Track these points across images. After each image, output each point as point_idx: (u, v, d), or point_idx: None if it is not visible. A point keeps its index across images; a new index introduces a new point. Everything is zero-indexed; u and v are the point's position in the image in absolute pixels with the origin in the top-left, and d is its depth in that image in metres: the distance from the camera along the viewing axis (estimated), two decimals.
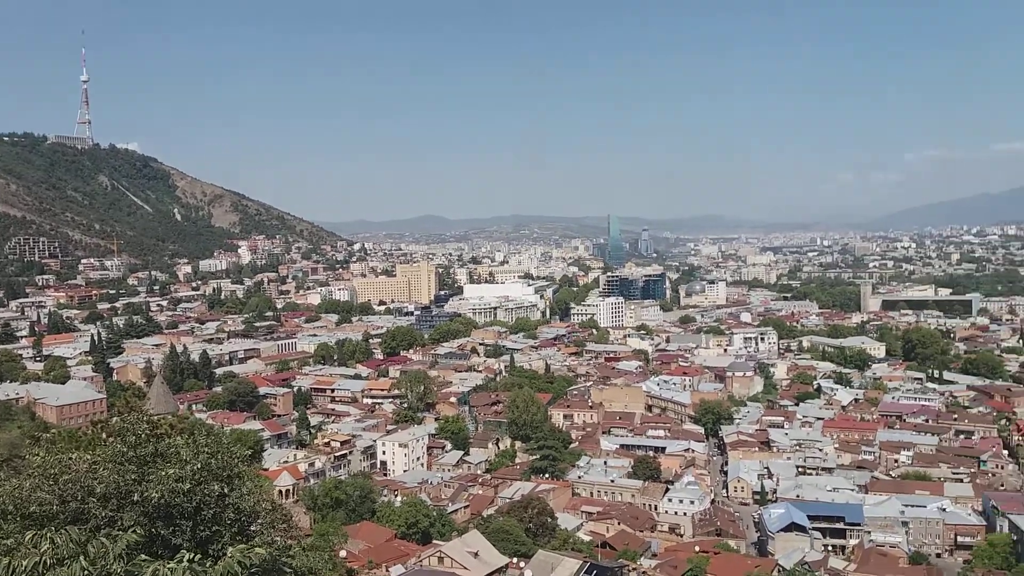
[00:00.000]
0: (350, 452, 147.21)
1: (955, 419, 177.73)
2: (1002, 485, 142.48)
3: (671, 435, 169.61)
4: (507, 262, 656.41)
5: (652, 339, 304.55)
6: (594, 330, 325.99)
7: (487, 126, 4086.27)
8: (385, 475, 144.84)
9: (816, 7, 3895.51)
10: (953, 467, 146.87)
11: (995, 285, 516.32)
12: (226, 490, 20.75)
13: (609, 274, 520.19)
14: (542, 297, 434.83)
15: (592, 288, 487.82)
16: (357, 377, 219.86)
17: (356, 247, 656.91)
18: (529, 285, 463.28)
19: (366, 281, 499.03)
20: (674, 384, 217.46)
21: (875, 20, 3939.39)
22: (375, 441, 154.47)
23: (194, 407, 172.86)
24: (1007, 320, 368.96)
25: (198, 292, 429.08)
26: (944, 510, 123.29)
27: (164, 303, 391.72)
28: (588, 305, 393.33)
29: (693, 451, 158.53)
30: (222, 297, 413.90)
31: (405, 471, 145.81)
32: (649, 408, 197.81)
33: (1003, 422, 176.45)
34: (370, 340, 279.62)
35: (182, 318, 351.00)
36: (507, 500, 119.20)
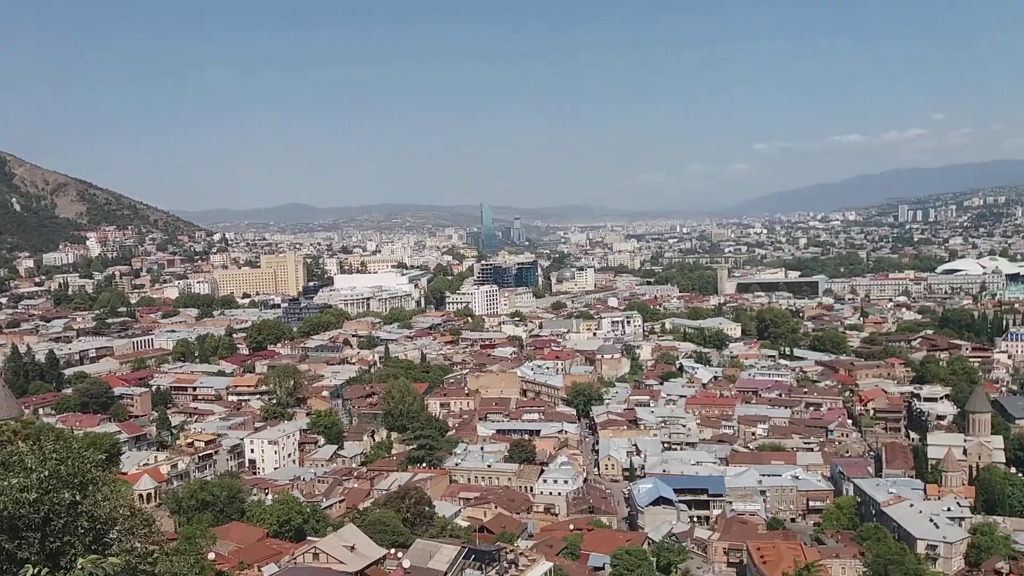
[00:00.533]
0: (215, 452, 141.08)
1: (805, 393, 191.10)
2: (847, 452, 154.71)
3: (545, 418, 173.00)
4: (379, 251, 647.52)
5: (526, 325, 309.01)
6: (469, 318, 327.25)
7: (355, 116, 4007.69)
8: (255, 473, 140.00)
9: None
10: (804, 437, 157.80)
11: (838, 267, 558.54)
12: (78, 498, 19.29)
13: (483, 262, 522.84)
14: (416, 287, 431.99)
15: (467, 277, 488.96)
16: (221, 374, 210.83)
17: (216, 237, 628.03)
18: (403, 275, 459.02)
19: (228, 273, 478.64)
20: (547, 368, 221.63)
21: (723, 19, 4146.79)
22: (242, 439, 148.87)
23: (41, 411, 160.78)
24: (849, 299, 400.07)
25: (42, 288, 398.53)
26: (797, 478, 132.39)
27: (3, 300, 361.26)
28: (463, 294, 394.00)
29: (566, 432, 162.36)
30: (69, 293, 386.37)
31: (276, 468, 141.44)
32: (524, 393, 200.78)
33: (847, 394, 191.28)
34: (234, 335, 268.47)
35: (24, 316, 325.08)
36: (384, 492, 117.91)
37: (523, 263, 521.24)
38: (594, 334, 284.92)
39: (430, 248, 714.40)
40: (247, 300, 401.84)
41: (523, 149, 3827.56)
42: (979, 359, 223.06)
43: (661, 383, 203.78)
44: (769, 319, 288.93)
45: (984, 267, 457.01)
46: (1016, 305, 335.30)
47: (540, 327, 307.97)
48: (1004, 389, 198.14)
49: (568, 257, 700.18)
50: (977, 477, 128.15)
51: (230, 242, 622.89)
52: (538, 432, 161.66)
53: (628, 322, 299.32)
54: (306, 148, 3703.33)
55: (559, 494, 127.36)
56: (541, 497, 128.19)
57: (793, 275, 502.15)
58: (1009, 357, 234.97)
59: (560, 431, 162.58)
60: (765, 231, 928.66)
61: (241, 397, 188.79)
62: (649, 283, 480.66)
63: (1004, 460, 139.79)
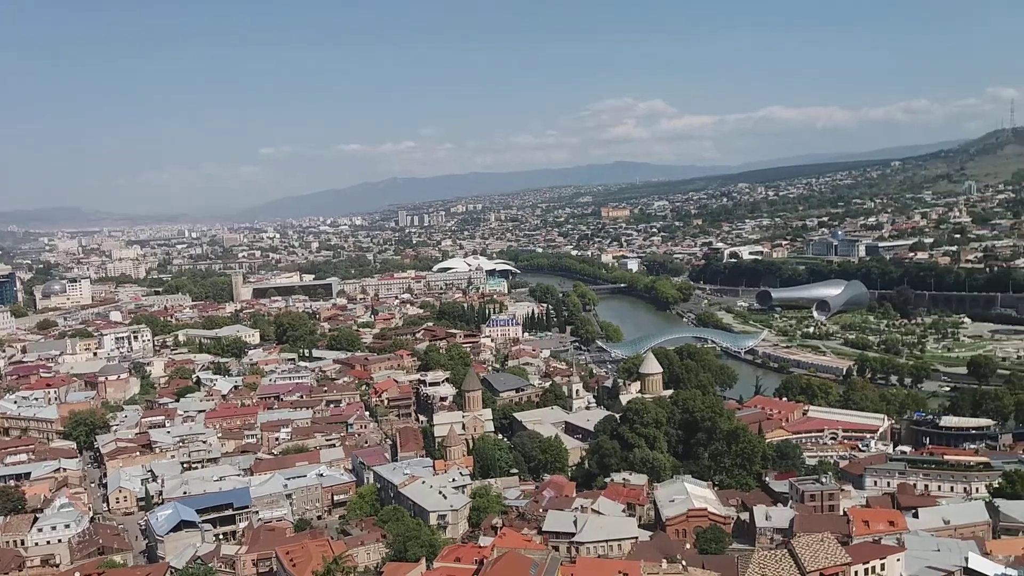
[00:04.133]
0: None
1: (325, 391, 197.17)
2: (366, 443, 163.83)
3: (37, 457, 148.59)
4: None
5: (3, 351, 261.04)
6: None
7: None
8: None
9: None
10: (327, 434, 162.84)
11: (349, 269, 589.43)
12: None
13: None
14: None
15: None
16: None
17: None
18: None
19: None
20: (36, 399, 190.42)
21: (227, 18, 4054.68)
22: None
23: None
24: (361, 299, 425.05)
25: None
26: (321, 475, 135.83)
27: None
28: None
29: (65, 470, 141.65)
30: None
31: None
32: (6, 431, 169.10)
33: (363, 388, 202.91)
34: None
35: None
36: None
37: None
38: (95, 354, 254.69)
39: None
40: None
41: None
42: (470, 343, 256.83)
43: (177, 400, 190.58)
44: (287, 323, 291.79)
45: (469, 265, 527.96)
46: (495, 296, 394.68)
47: (23, 351, 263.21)
48: (490, 368, 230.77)
49: (57, 267, 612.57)
50: (474, 447, 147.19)
51: None
52: (27, 475, 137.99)
53: (135, 337, 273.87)
54: None
55: (59, 541, 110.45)
56: (36, 549, 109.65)
57: (308, 278, 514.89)
58: (492, 340, 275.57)
59: (57, 470, 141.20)
60: (278, 235, 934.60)
61: None
62: (158, 293, 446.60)
63: (493, 429, 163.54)
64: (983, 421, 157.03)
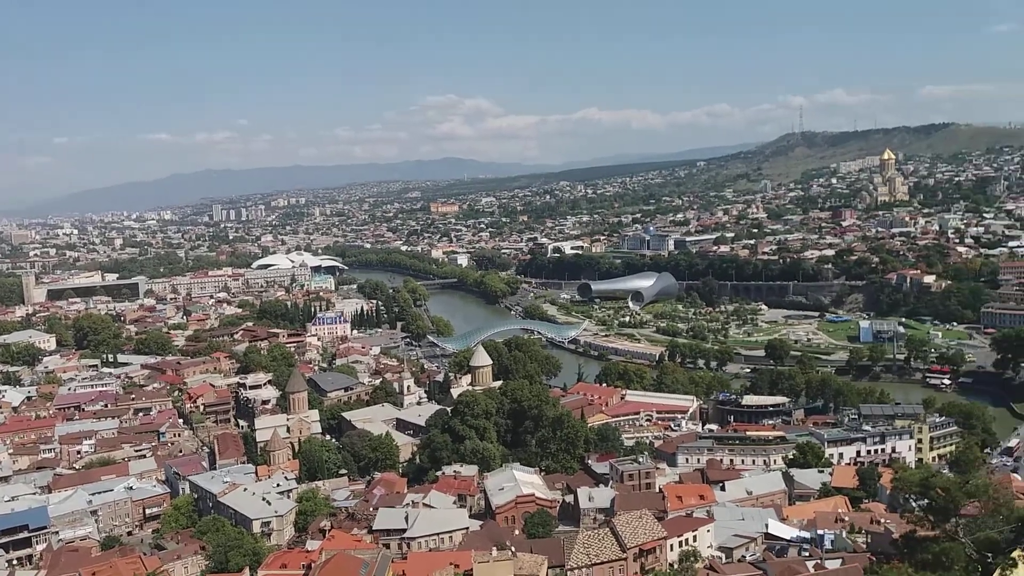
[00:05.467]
0: None
1: (133, 399, 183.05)
2: (180, 451, 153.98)
3: None
4: None
5: None
6: None
7: None
8: None
9: None
10: (136, 445, 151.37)
11: (158, 267, 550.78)
12: None
13: None
14: None
15: None
16: None
17: None
18: None
19: None
20: None
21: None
22: None
23: None
24: (172, 299, 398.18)
25: None
26: (131, 488, 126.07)
27: None
28: None
29: None
30: None
31: None
32: None
33: (176, 393, 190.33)
34: None
35: None
36: None
37: None
38: None
39: None
40: None
41: None
42: (295, 343, 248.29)
43: None
44: (88, 326, 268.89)
45: (293, 261, 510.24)
46: (322, 293, 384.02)
47: None
48: (316, 367, 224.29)
49: None
50: (300, 450, 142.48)
51: None
52: None
53: None
54: None
55: None
56: None
57: (111, 278, 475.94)
58: (319, 339, 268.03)
59: None
60: (76, 231, 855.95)
61: None
62: None
63: (320, 430, 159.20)
64: (779, 399, 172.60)
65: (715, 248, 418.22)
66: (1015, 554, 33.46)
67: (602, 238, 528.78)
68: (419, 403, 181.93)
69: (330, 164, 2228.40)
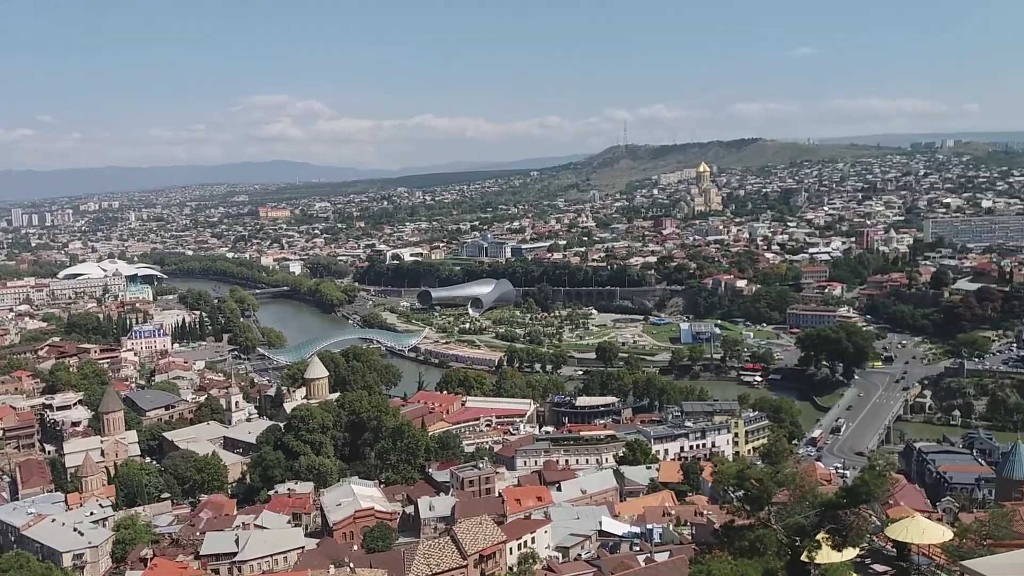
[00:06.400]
0: None
1: None
2: None
3: None
4: None
5: None
6: None
7: None
8: None
9: None
10: None
11: None
12: None
13: None
14: None
15: None
16: None
17: None
18: None
19: None
20: None
21: None
22: None
23: None
24: None
25: None
26: None
27: None
28: None
29: None
30: None
31: None
32: None
33: None
34: None
35: None
36: None
37: None
38: None
39: None
40: None
41: None
42: (108, 359, 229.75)
43: None
44: None
45: (105, 270, 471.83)
46: (138, 304, 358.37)
47: None
48: (134, 385, 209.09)
49: None
50: (116, 475, 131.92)
51: None
52: None
53: None
54: None
55: None
56: None
57: None
58: (136, 355, 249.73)
59: None
60: None
61: None
62: None
63: (139, 452, 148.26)
64: (609, 399, 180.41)
65: (549, 255, 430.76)
66: (819, 536, 36.65)
67: (441, 245, 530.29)
68: (249, 419, 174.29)
69: (148, 166, 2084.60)
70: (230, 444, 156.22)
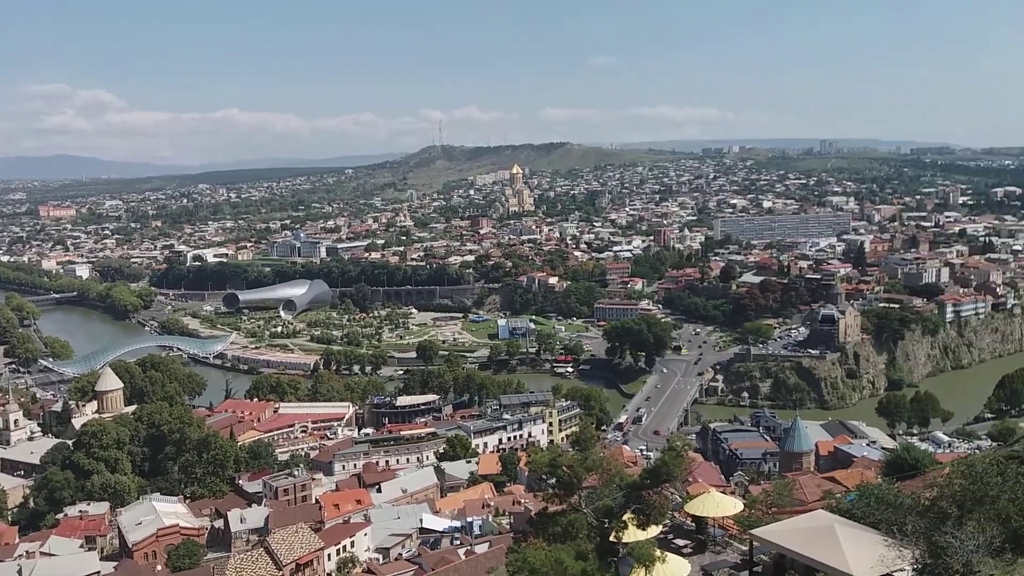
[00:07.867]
0: None
1: None
2: None
3: None
4: None
5: None
6: None
7: None
8: None
9: None
10: None
11: None
12: None
13: None
14: None
15: None
16: None
17: None
18: None
19: None
20: None
21: None
22: None
23: None
24: None
25: None
26: None
27: None
28: None
29: None
30: None
31: None
32: None
33: None
34: None
35: None
36: None
37: None
38: None
39: None
40: None
41: None
42: None
43: None
44: None
45: None
46: None
47: None
48: None
49: None
50: None
51: None
52: None
53: None
54: None
55: None
56: None
57: None
58: None
59: None
60: None
61: None
62: None
63: None
64: (430, 397, 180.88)
65: (367, 255, 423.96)
66: (626, 517, 38.64)
67: (249, 245, 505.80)
68: (31, 439, 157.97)
69: None
70: (9, 466, 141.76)
